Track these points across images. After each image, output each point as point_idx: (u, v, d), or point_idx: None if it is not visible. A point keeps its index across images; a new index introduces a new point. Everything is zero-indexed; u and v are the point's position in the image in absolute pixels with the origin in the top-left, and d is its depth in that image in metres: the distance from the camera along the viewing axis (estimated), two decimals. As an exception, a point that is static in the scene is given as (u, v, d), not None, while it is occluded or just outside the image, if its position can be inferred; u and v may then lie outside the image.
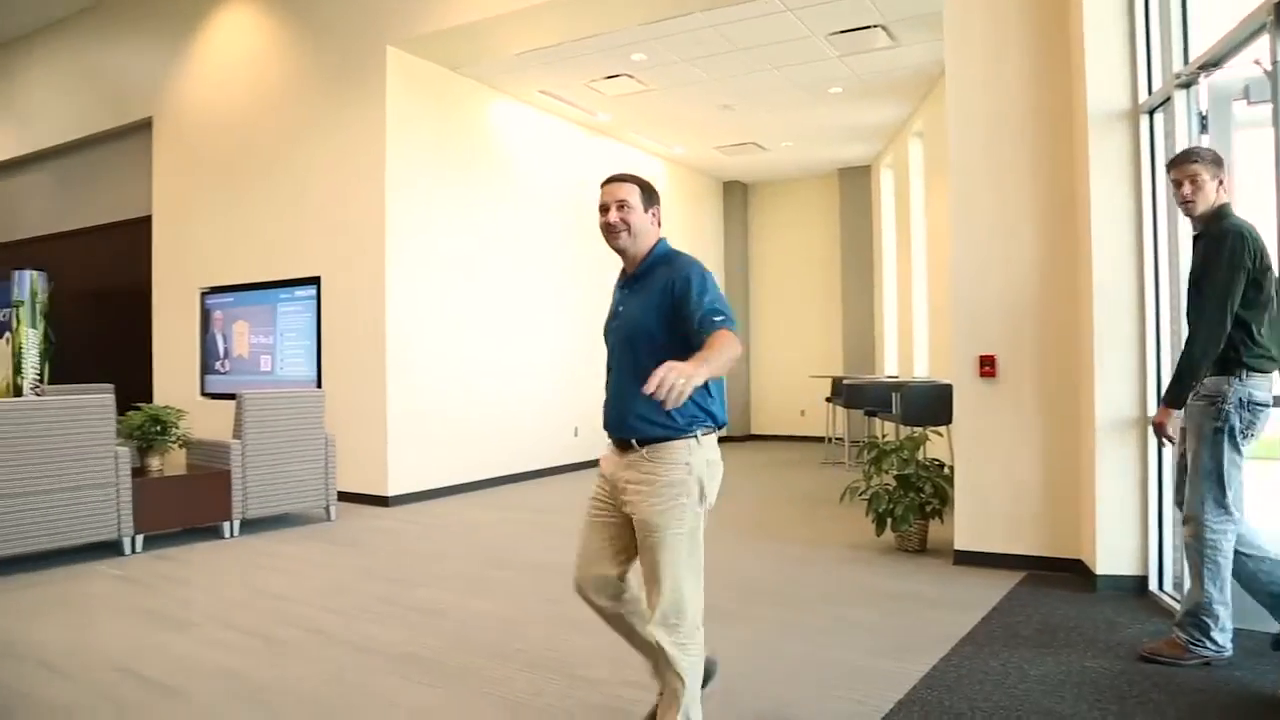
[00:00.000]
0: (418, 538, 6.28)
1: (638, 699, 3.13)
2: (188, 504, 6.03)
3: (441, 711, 3.14)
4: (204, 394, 8.77)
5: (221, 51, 8.84)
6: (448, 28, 7.25)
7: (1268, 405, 3.36)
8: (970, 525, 5.15)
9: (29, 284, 9.92)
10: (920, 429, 6.33)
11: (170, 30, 9.32)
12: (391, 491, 7.50)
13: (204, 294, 8.88)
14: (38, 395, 9.13)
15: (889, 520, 5.44)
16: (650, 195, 2.70)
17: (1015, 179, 5.07)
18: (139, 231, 9.78)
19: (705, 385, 2.46)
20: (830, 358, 12.73)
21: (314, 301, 7.96)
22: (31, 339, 9.90)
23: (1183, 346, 3.41)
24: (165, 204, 9.44)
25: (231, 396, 7.20)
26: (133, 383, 9.21)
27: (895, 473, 5.54)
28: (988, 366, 5.08)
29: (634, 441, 2.56)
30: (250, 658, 3.73)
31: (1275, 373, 3.40)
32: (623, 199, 2.63)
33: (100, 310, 10.65)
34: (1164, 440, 3.55)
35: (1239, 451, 3.34)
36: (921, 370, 9.63)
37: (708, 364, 2.25)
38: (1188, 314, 3.43)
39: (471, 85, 8.50)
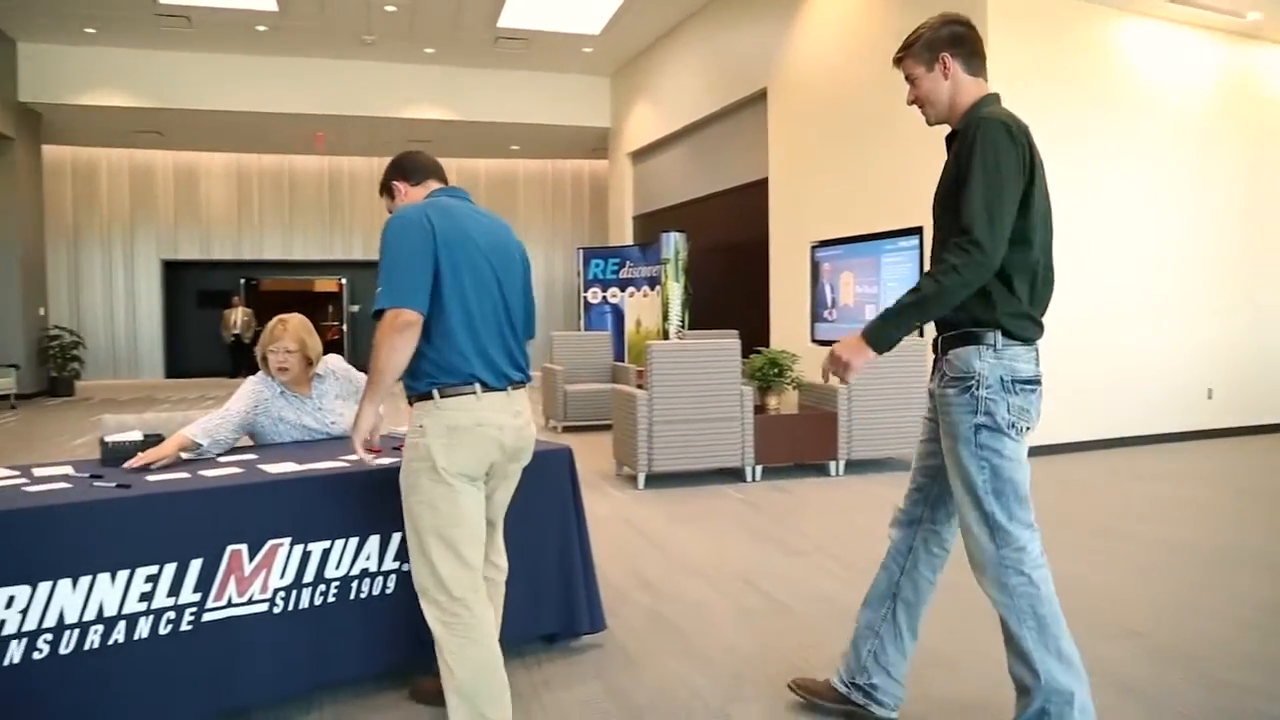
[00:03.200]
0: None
1: (1288, 708, 2.68)
2: (799, 441, 6.63)
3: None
4: (814, 340, 9.49)
5: (826, 20, 9.33)
6: (1061, -54, 6.70)
7: (1036, 382, 2.35)
8: None
9: (673, 244, 11.69)
10: None
11: (781, 6, 10.11)
12: (990, 444, 7.33)
13: (814, 247, 9.57)
14: (680, 339, 10.76)
15: None
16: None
17: None
18: (757, 193, 10.90)
19: (426, 341, 2.35)
20: None
21: (916, 252, 8.07)
22: (676, 291, 11.68)
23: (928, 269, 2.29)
24: (779, 166, 10.36)
25: (836, 344, 7.71)
26: (753, 328, 10.36)
27: None
28: None
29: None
30: (851, 587, 3.99)
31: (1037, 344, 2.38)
32: None
33: (726, 264, 12.13)
34: (835, 376, 2.35)
35: (1015, 448, 2.33)
36: None
37: (368, 398, 2.37)
38: (946, 234, 2.33)
39: (1085, 8, 7.75)
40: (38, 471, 2.88)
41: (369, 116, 14.72)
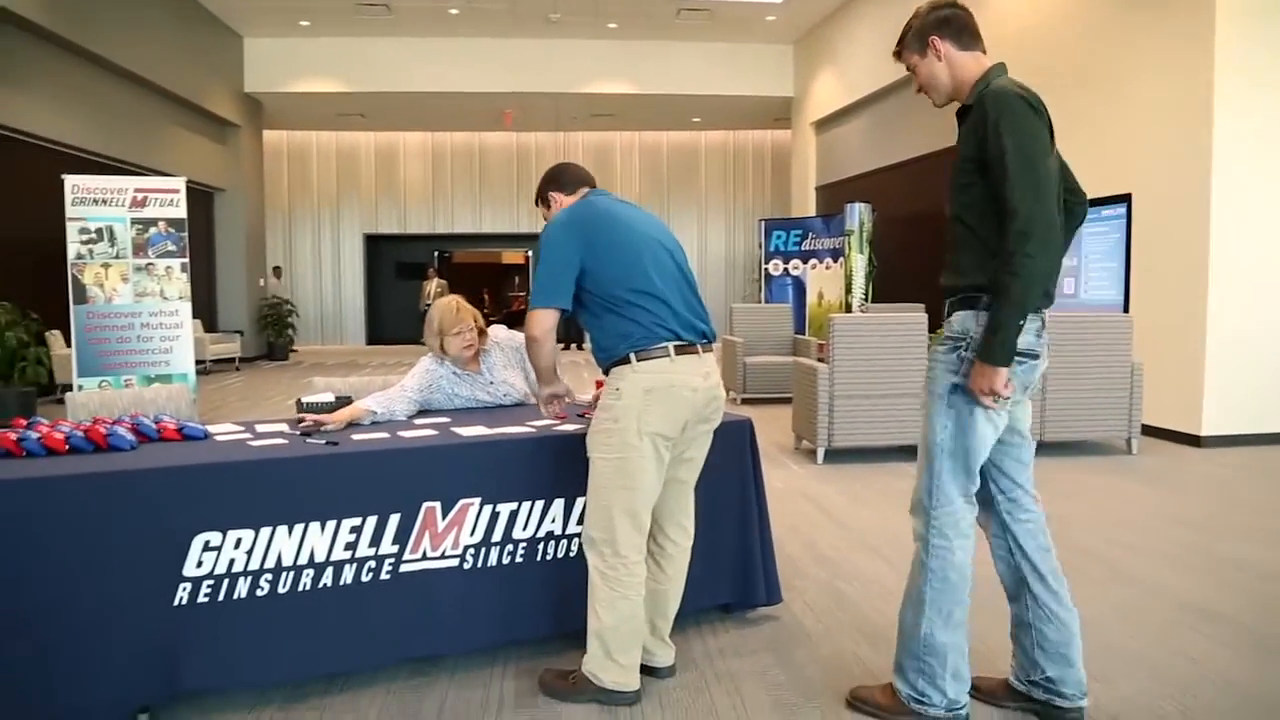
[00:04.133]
0: (1236, 485, 5.60)
1: None
2: (987, 420, 6.33)
3: (1247, 680, 2.81)
4: (1004, 315, 9.04)
5: (1032, -34, 8.77)
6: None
7: (1033, 355, 2.37)
8: None
9: (858, 215, 11.39)
10: None
11: (982, -44, 9.57)
12: (1206, 431, 6.78)
13: (1007, 217, 9.07)
14: (863, 312, 10.50)
15: None
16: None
17: None
18: (947, 161, 10.41)
19: (603, 309, 2.59)
20: None
21: (1123, 221, 7.52)
22: (859, 263, 11.40)
23: (990, 255, 2.33)
24: (973, 130, 9.85)
25: (1032, 318, 7.33)
26: (940, 302, 9.94)
27: None
28: None
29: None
30: (1044, 576, 3.82)
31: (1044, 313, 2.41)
32: None
33: (912, 235, 11.71)
34: (989, 404, 2.34)
35: (987, 417, 2.35)
36: None
37: (541, 385, 2.92)
38: (958, 210, 2.49)
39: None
40: (259, 428, 3.18)
41: (554, 93, 15.12)
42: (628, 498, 2.54)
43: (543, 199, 2.90)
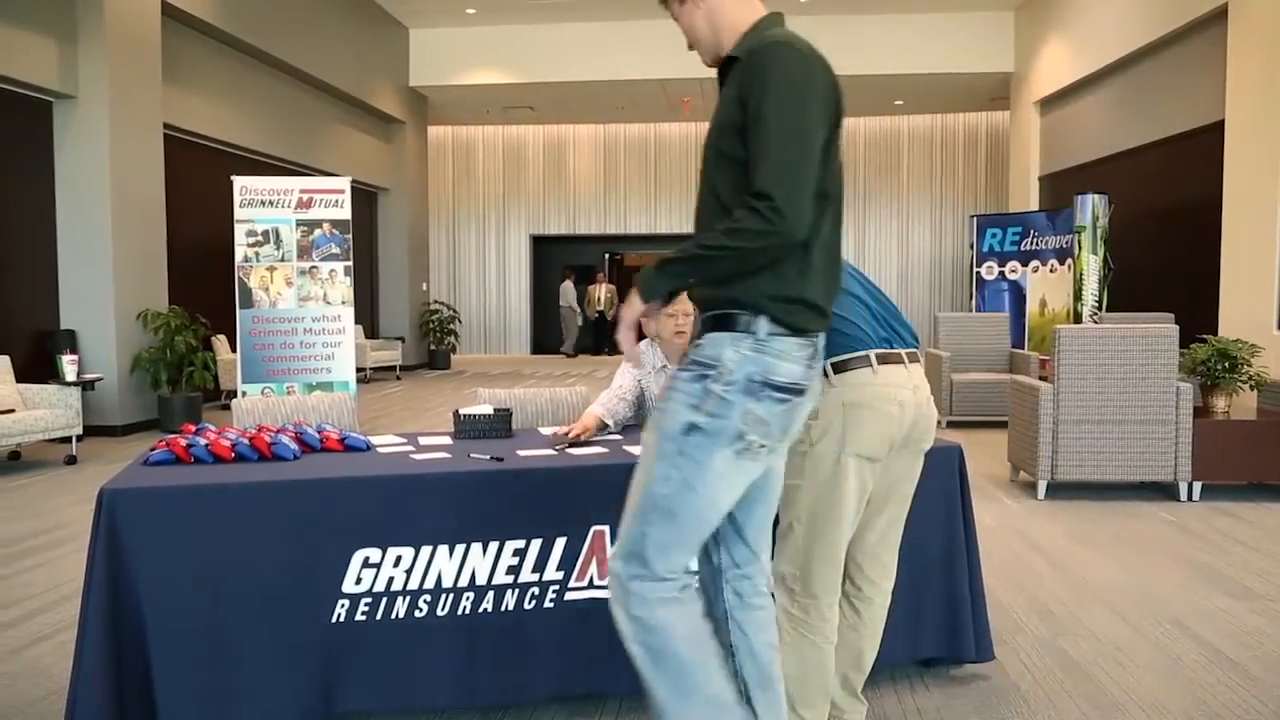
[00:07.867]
0: None
1: None
2: (1257, 454, 5.87)
3: None
4: None
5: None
6: None
7: (797, 391, 2.00)
8: None
9: (1090, 208, 10.83)
10: None
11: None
12: None
13: (1284, 209, 8.40)
14: (1095, 323, 9.97)
15: None
16: None
17: None
18: (1206, 141, 9.74)
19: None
20: None
21: None
22: (1092, 265, 10.83)
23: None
24: (1242, 105, 9.16)
25: (1313, 332, 6.75)
26: (1194, 312, 9.34)
27: None
28: None
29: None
30: (1329, 647, 3.51)
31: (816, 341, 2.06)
32: None
33: (1160, 232, 11.01)
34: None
35: (725, 470, 1.96)
36: None
37: None
38: (709, 187, 2.06)
39: None
40: (422, 440, 3.35)
41: (737, 77, 15.17)
42: (825, 530, 2.45)
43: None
